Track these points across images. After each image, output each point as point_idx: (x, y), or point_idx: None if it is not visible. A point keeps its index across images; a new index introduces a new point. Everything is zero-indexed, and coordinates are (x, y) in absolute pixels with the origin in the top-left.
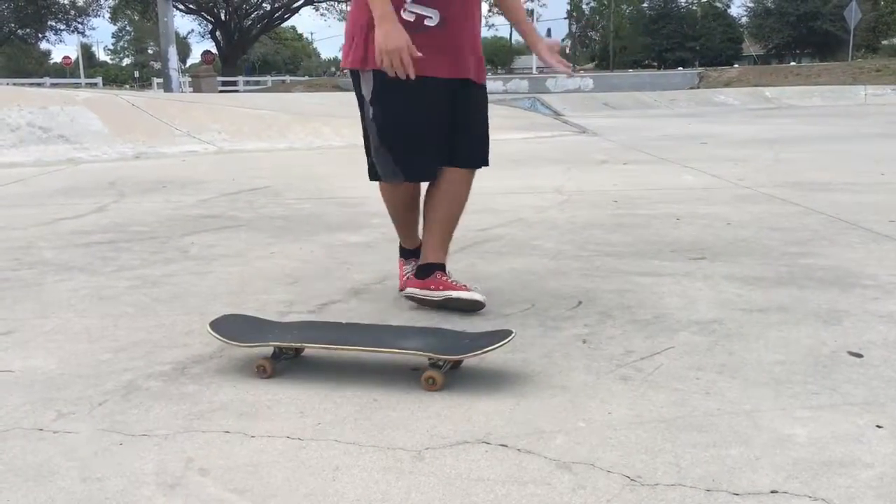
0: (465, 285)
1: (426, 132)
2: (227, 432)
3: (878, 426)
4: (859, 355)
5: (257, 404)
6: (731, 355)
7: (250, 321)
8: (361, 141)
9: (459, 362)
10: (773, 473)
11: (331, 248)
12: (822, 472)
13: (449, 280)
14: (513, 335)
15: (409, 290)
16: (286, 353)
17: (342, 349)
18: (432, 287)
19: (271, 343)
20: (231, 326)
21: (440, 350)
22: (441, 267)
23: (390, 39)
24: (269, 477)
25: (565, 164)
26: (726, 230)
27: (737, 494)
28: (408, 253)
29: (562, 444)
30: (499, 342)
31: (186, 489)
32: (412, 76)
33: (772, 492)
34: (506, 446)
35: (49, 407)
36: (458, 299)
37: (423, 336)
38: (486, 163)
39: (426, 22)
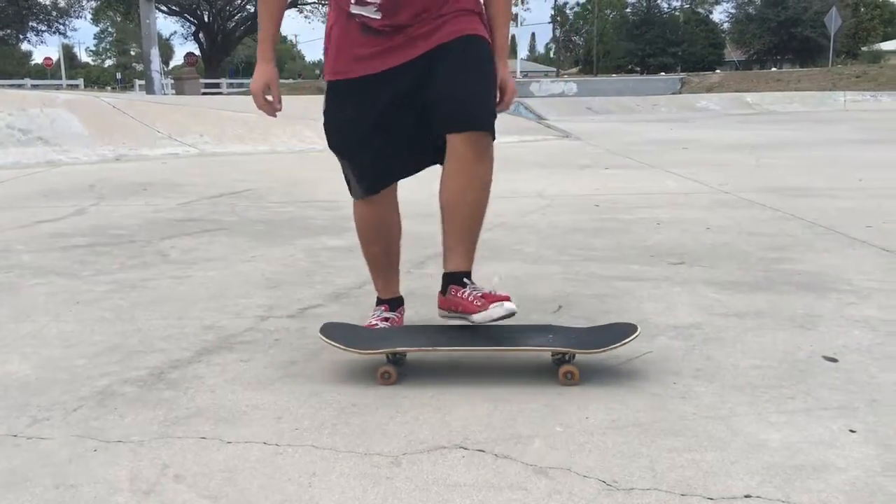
0: (482, 296)
1: (372, 135)
2: (204, 438)
3: (851, 430)
4: (834, 360)
5: (235, 410)
6: (709, 360)
7: (355, 329)
8: None
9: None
10: (747, 478)
11: (312, 252)
12: (795, 476)
13: (465, 293)
14: (638, 332)
15: (440, 311)
16: (399, 357)
17: (469, 350)
18: (453, 307)
19: (398, 349)
20: (341, 333)
21: (567, 346)
22: (455, 278)
23: (252, 83)
24: (245, 483)
25: (548, 168)
26: (706, 235)
27: (711, 499)
28: (380, 301)
29: (539, 449)
30: (629, 337)
31: (161, 496)
32: (272, 115)
33: (745, 496)
34: (483, 451)
35: (23, 412)
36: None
37: (541, 333)
38: (473, 125)
39: (373, 24)
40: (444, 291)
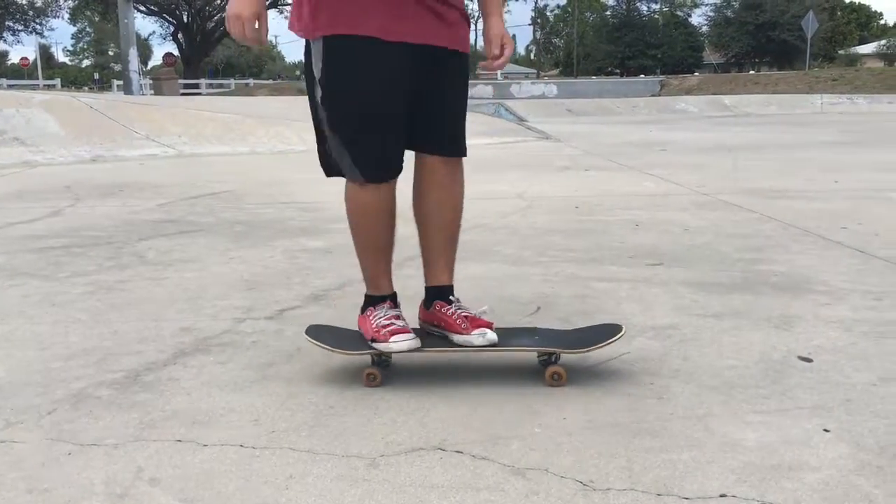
0: (466, 317)
1: (385, 114)
2: (179, 441)
3: (825, 430)
4: (809, 360)
5: (211, 412)
6: (686, 360)
7: (342, 331)
8: None
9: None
10: (722, 477)
11: (291, 253)
12: (770, 475)
13: (450, 311)
14: (623, 331)
15: (421, 323)
16: (385, 358)
17: (456, 351)
18: (436, 322)
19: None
20: (327, 335)
21: (555, 346)
22: (441, 293)
23: (234, 4)
24: (221, 486)
25: (528, 169)
26: (684, 236)
27: (687, 499)
28: (380, 299)
29: (517, 450)
30: (614, 336)
31: (136, 499)
32: (255, 46)
33: (721, 496)
34: (461, 452)
35: None
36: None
37: (527, 335)
38: (456, 153)
39: None
40: (427, 305)
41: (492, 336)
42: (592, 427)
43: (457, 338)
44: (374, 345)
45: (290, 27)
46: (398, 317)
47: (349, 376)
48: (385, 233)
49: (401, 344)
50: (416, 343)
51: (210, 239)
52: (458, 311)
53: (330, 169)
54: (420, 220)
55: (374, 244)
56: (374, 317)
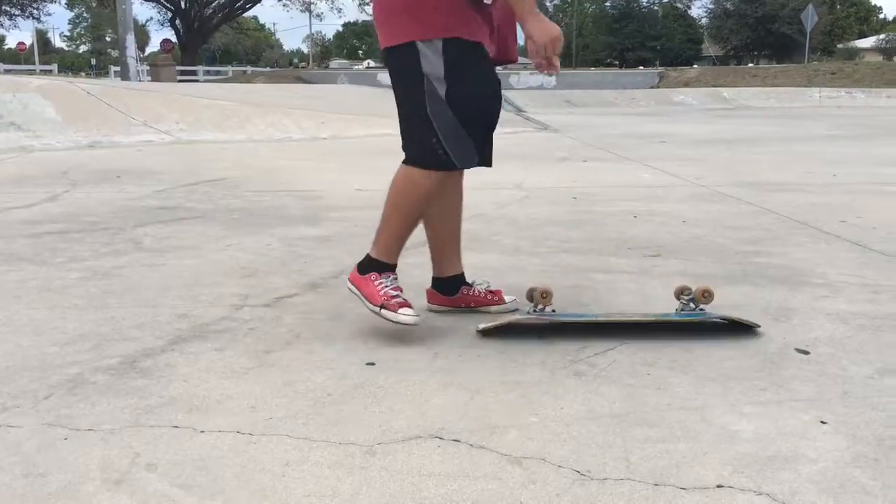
0: (491, 292)
1: (497, 109)
2: (176, 427)
3: (822, 422)
4: (806, 352)
5: (208, 399)
6: (683, 351)
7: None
8: (322, 133)
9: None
10: (719, 468)
11: (288, 241)
12: (766, 466)
13: (476, 291)
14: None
15: (434, 307)
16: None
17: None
18: (464, 304)
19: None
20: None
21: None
22: (462, 279)
23: (553, 27)
24: (218, 472)
25: (526, 160)
26: (682, 228)
27: (683, 489)
28: (388, 267)
29: (514, 439)
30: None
31: (132, 485)
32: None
33: (717, 486)
34: (458, 441)
35: None
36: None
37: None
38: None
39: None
40: (451, 292)
41: (512, 300)
42: (590, 417)
43: (495, 308)
44: (383, 311)
45: (390, 38)
46: (402, 290)
47: (347, 364)
48: (424, 211)
49: (409, 318)
50: (419, 320)
51: (207, 226)
52: (481, 289)
53: (438, 161)
54: (442, 221)
55: (412, 224)
56: (381, 284)
